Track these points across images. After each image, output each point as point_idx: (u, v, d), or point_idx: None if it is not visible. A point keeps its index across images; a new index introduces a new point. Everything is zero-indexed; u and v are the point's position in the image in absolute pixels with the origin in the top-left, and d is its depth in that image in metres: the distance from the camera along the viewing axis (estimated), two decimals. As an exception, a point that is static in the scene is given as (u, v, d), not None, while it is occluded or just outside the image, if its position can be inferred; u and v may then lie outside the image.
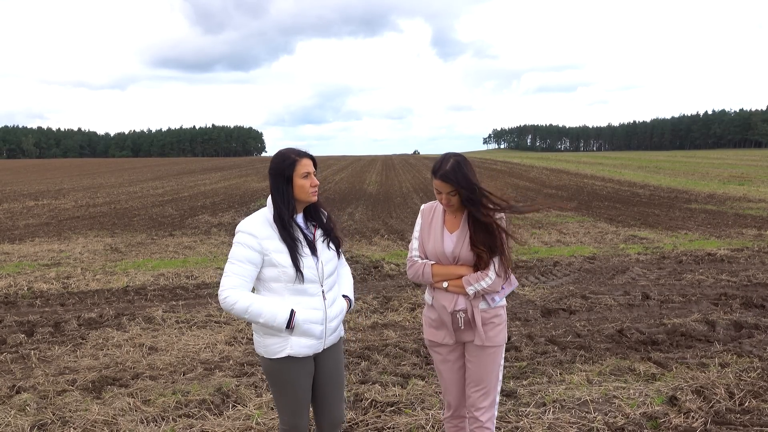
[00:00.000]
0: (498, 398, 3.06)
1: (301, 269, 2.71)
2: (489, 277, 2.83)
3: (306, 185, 2.74)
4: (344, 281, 3.03)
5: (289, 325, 2.69)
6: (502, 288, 2.91)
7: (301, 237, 2.78)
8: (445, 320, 2.91)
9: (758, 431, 3.87)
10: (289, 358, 2.76)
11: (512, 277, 2.97)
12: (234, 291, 2.70)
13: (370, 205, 21.98)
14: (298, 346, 2.76)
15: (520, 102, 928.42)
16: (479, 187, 2.83)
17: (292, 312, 2.70)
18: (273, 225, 2.74)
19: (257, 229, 2.73)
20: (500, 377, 3.04)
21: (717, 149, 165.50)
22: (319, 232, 2.86)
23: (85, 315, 6.90)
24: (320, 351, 2.85)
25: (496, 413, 3.05)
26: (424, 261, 2.94)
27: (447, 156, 2.85)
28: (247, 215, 2.83)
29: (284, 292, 2.74)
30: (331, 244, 2.89)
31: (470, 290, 2.83)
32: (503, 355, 3.03)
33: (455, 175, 2.79)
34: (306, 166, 2.74)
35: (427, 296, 3.04)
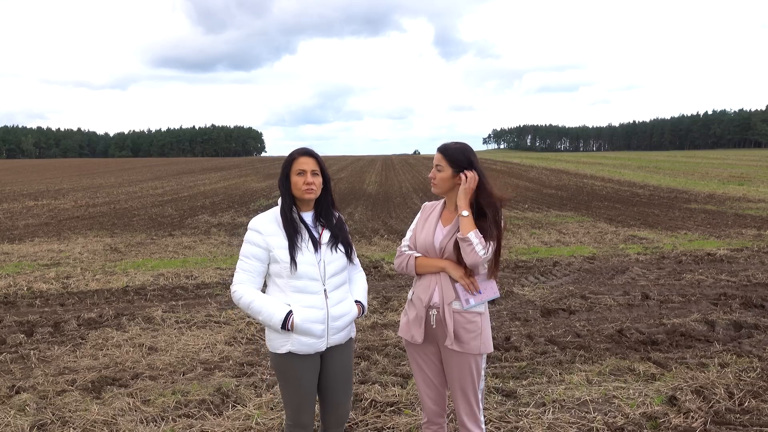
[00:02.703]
0: (481, 414, 2.98)
1: (295, 258, 2.76)
2: (485, 250, 2.76)
3: (299, 182, 2.80)
4: (357, 286, 3.06)
5: (285, 326, 2.74)
6: (479, 292, 2.86)
7: (304, 233, 2.83)
8: (420, 315, 2.91)
9: (758, 431, 3.88)
10: (291, 353, 2.82)
11: (494, 285, 2.94)
12: (241, 286, 2.82)
13: (369, 205, 21.98)
14: (299, 343, 2.80)
15: (521, 102, 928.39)
16: (482, 173, 2.89)
17: (289, 314, 2.75)
18: (279, 220, 2.82)
19: (264, 227, 2.82)
20: (478, 388, 2.96)
21: (717, 149, 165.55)
22: (326, 234, 2.90)
23: (85, 315, 6.89)
24: (323, 349, 2.87)
25: (483, 427, 3.00)
26: (410, 252, 2.97)
27: (456, 141, 2.97)
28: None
29: (287, 289, 2.81)
30: (340, 247, 2.92)
31: (471, 235, 2.76)
32: (482, 366, 2.95)
33: (453, 152, 2.87)
34: (302, 164, 2.81)
35: (410, 292, 3.06)
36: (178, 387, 4.73)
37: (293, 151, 2.87)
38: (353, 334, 3.04)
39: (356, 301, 3.00)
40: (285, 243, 2.78)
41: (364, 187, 31.98)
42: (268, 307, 2.76)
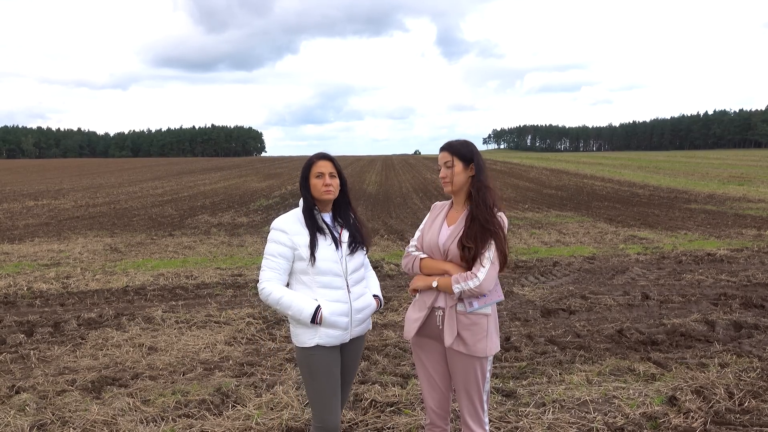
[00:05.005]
0: (485, 416, 2.94)
1: (315, 254, 2.91)
2: (477, 278, 2.74)
3: (318, 184, 2.97)
4: (372, 282, 3.26)
5: (314, 320, 2.89)
6: (484, 296, 2.82)
7: (326, 231, 2.99)
8: (423, 314, 2.91)
9: (758, 431, 3.87)
10: (318, 346, 2.94)
11: (498, 288, 2.90)
12: (269, 283, 2.95)
13: (369, 205, 21.98)
14: (326, 336, 2.94)
15: (522, 102, 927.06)
16: (485, 172, 2.87)
17: (318, 308, 2.90)
18: (302, 220, 2.97)
19: (288, 226, 2.96)
20: (483, 390, 2.92)
21: (717, 149, 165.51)
22: (345, 233, 3.06)
23: (85, 315, 6.90)
24: (347, 341, 3.02)
25: (486, 429, 2.97)
26: (417, 253, 2.98)
27: (458, 139, 2.98)
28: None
29: (313, 285, 2.96)
30: (358, 245, 3.07)
31: (456, 288, 2.76)
32: (487, 369, 2.91)
33: (457, 146, 2.88)
34: (320, 167, 2.98)
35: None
36: (178, 387, 4.73)
37: (312, 156, 3.05)
38: (370, 327, 3.19)
39: (374, 296, 3.17)
40: (308, 241, 2.94)
41: (364, 187, 31.98)
42: (298, 302, 2.90)
